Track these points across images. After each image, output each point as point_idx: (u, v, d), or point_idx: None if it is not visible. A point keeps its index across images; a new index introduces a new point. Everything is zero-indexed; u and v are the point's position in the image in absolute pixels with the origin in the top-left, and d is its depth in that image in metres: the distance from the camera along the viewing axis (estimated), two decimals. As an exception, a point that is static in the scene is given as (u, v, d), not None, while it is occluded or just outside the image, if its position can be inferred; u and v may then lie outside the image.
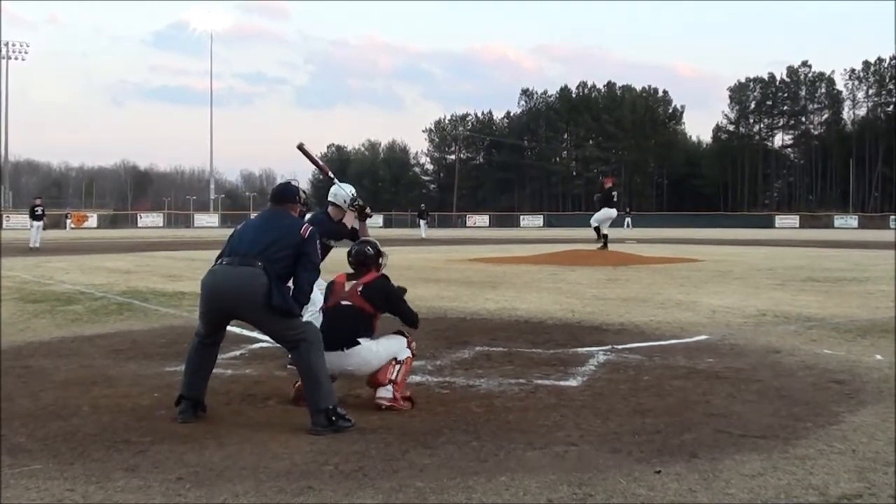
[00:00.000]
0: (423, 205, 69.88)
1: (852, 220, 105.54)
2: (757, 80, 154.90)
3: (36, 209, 40.87)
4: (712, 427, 6.52)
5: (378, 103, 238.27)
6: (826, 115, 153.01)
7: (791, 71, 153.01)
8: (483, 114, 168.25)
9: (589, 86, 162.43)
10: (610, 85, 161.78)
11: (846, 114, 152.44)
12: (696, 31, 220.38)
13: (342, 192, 9.34)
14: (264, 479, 5.19)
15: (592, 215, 29.63)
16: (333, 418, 6.38)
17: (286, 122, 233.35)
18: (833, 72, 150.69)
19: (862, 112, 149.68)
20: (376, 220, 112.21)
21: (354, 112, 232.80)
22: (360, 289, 7.37)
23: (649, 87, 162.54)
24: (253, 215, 7.95)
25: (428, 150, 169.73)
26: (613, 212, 29.31)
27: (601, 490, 5.02)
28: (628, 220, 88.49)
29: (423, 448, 5.87)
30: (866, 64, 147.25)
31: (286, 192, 7.20)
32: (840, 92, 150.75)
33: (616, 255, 27.33)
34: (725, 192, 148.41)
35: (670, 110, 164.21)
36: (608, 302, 15.37)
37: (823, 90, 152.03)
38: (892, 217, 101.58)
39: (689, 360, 9.48)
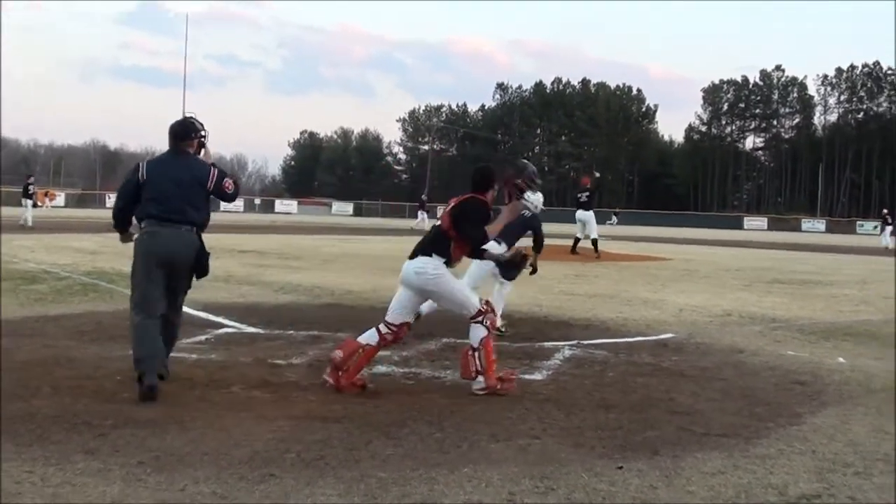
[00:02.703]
0: (424, 195, 66.79)
1: (820, 224, 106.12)
2: (730, 82, 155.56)
3: (29, 187, 40.60)
4: (675, 424, 6.55)
5: (351, 91, 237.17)
6: (797, 120, 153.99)
7: (764, 74, 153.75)
8: (457, 106, 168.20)
9: (563, 82, 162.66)
10: (584, 82, 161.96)
11: (817, 119, 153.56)
12: (671, 32, 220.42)
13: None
14: (225, 465, 5.17)
15: (578, 216, 27.23)
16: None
17: (258, 106, 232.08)
18: (806, 77, 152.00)
19: (833, 118, 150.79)
20: (346, 207, 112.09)
21: (327, 99, 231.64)
22: (450, 209, 7.71)
23: (623, 85, 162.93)
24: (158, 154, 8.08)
25: (401, 139, 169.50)
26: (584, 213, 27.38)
27: (563, 484, 5.02)
28: (615, 217, 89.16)
29: (387, 438, 5.85)
30: (839, 70, 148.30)
31: (187, 130, 7.58)
32: (812, 97, 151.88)
33: (584, 252, 27.30)
34: (695, 192, 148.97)
35: (643, 109, 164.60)
36: (575, 297, 15.41)
37: (796, 95, 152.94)
38: (859, 222, 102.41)
39: (655, 357, 9.52)
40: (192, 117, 7.73)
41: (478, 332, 7.48)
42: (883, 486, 5.28)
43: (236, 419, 6.26)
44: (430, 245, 7.67)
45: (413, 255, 7.69)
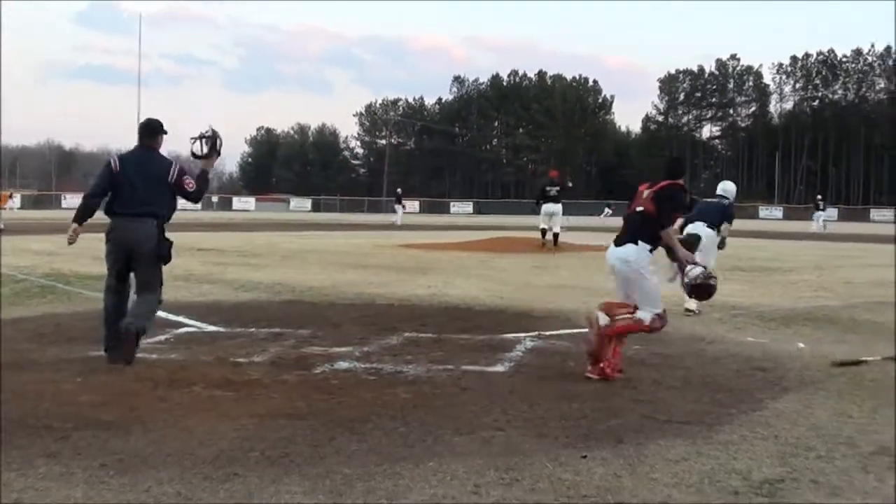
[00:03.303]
0: (399, 189, 65.30)
1: (777, 212, 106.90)
2: (686, 72, 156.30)
3: None
4: (638, 413, 6.58)
5: (308, 87, 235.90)
6: (753, 108, 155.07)
7: (720, 64, 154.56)
8: (414, 99, 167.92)
9: (520, 74, 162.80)
10: (541, 74, 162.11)
11: (773, 107, 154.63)
12: (626, 23, 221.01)
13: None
14: (189, 465, 5.13)
15: (548, 209, 26.81)
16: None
17: (215, 104, 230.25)
18: (761, 66, 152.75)
19: (788, 106, 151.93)
20: (304, 203, 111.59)
21: (284, 96, 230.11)
22: (652, 195, 8.11)
23: (580, 76, 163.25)
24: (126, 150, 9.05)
25: (358, 134, 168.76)
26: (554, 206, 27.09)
27: (528, 475, 5.03)
28: (608, 209, 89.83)
29: (351, 434, 5.84)
30: (794, 59, 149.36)
31: (154, 128, 8.54)
32: (767, 86, 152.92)
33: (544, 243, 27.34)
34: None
35: (600, 100, 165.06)
36: (537, 289, 15.44)
37: (751, 83, 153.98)
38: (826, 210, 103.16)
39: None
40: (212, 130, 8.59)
41: (644, 316, 7.90)
42: (845, 468, 5.32)
43: (199, 419, 6.22)
44: (637, 232, 8.05)
45: (619, 242, 8.11)
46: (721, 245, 13.00)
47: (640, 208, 8.16)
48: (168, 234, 8.29)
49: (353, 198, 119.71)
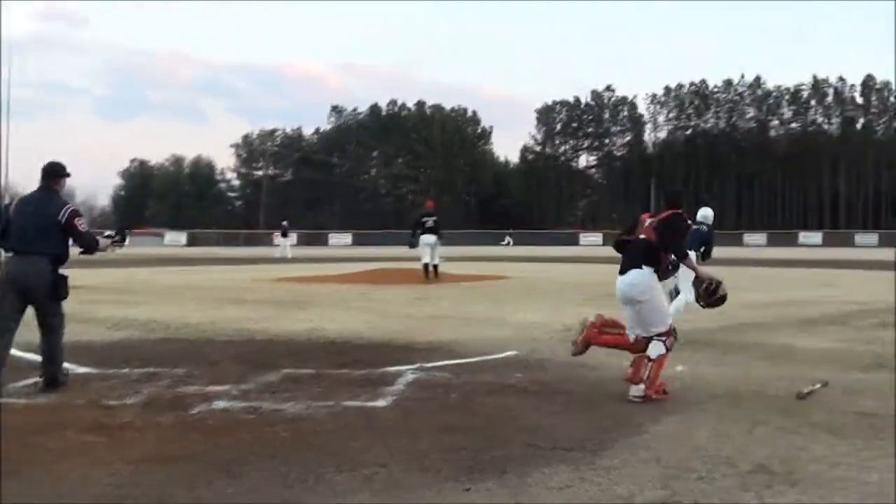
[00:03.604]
0: (285, 221, 64.05)
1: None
2: (563, 102, 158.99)
3: None
4: (521, 441, 6.57)
5: (182, 116, 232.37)
6: (629, 138, 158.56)
7: (595, 94, 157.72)
8: (292, 129, 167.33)
9: (399, 104, 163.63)
10: (420, 104, 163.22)
11: (647, 136, 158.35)
12: (504, 54, 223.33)
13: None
14: (61, 513, 4.96)
15: (426, 240, 26.38)
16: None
17: (85, 134, 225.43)
18: (636, 96, 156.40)
19: (662, 134, 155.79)
20: (179, 237, 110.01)
21: (158, 125, 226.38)
22: (655, 224, 8.70)
23: (459, 106, 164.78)
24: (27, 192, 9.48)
25: (235, 165, 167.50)
26: (431, 237, 26.58)
27: (410, 511, 4.97)
28: (509, 238, 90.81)
29: (228, 477, 5.69)
30: (667, 89, 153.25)
31: (54, 170, 9.00)
32: (642, 115, 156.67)
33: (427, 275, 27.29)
34: (532, 211, 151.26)
35: (479, 130, 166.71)
36: (417, 320, 15.40)
37: (626, 113, 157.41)
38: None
39: (498, 376, 9.55)
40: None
41: (658, 349, 8.39)
42: (726, 488, 5.42)
43: (71, 465, 6.00)
44: (640, 258, 8.59)
45: (623, 271, 8.67)
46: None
47: (642, 236, 8.74)
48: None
49: (229, 231, 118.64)
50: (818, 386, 8.63)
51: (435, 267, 26.35)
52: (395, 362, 10.51)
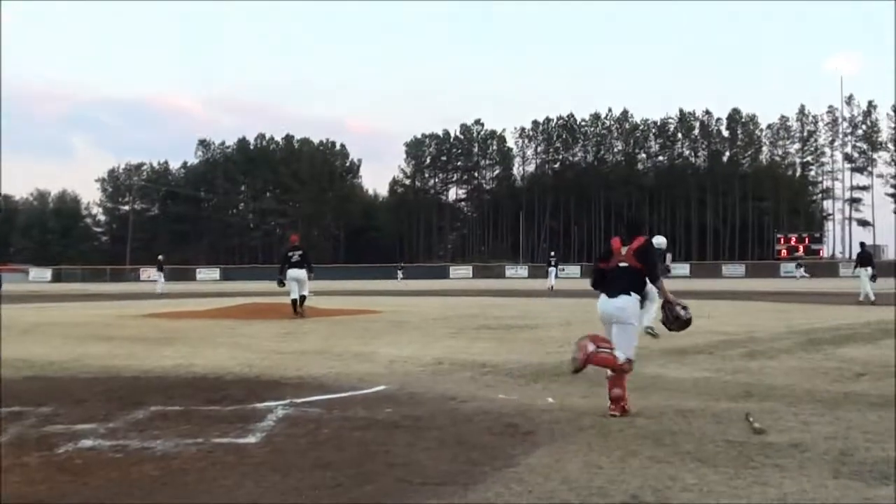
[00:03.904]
0: (160, 256, 62.50)
1: (522, 270, 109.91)
2: (432, 136, 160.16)
3: None
4: (393, 476, 6.55)
5: (47, 151, 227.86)
6: (498, 171, 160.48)
7: (465, 128, 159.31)
8: (159, 163, 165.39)
9: (267, 138, 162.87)
10: (288, 137, 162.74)
11: (516, 169, 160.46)
12: (371, 87, 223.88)
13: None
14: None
15: (292, 275, 26.07)
16: None
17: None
18: (504, 130, 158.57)
19: (531, 168, 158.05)
20: (44, 273, 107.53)
21: (21, 160, 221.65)
22: (633, 252, 9.51)
23: (327, 140, 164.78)
24: None
25: (101, 200, 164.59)
26: (298, 272, 26.31)
27: (282, 550, 4.93)
28: (401, 273, 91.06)
29: (95, 517, 5.59)
30: (535, 123, 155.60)
31: None
32: (511, 149, 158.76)
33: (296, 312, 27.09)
34: (402, 244, 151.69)
35: (347, 164, 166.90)
36: (286, 355, 15.28)
37: (495, 147, 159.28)
38: (561, 267, 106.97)
39: (369, 410, 9.52)
40: None
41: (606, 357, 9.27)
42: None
43: (-72, 509, 5.83)
44: (629, 284, 9.40)
45: (612, 294, 9.43)
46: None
47: (623, 264, 9.51)
48: None
49: (95, 266, 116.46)
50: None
51: (302, 299, 26.06)
52: (265, 398, 10.42)
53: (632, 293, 9.35)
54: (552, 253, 63.38)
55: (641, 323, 10.07)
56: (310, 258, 27.26)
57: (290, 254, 26.62)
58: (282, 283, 26.26)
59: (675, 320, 9.78)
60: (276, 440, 8.02)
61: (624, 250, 9.59)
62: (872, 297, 31.60)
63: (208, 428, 8.50)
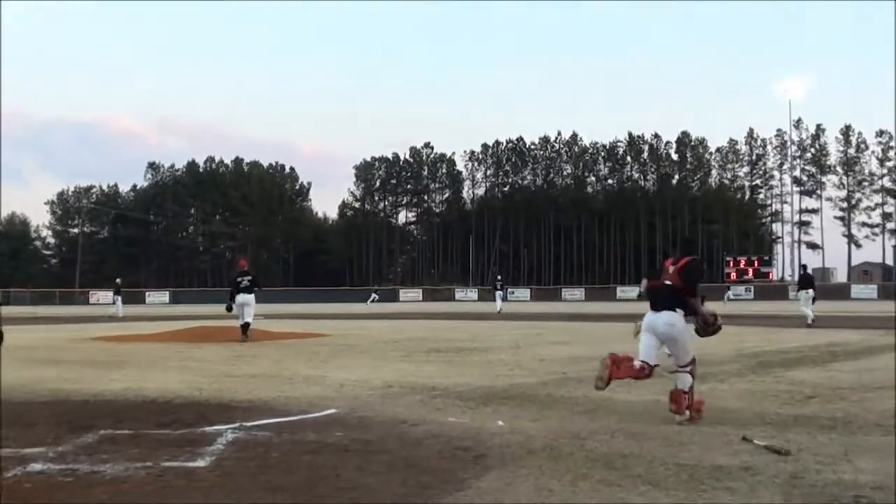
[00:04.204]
0: (118, 280, 61.83)
1: (472, 293, 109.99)
2: (381, 159, 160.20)
3: None
4: (343, 500, 6.58)
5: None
6: (447, 194, 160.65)
7: (414, 151, 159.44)
8: (109, 186, 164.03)
9: (217, 161, 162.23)
10: (237, 161, 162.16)
11: (466, 192, 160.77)
12: (320, 110, 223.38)
13: None
14: None
15: (241, 299, 25.84)
16: None
17: None
18: (454, 153, 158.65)
19: (481, 191, 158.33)
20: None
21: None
22: (678, 269, 10.52)
23: (276, 163, 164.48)
24: None
25: (50, 223, 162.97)
26: (247, 296, 25.99)
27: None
28: (375, 295, 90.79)
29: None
30: (485, 146, 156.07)
31: None
32: (461, 172, 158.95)
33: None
34: (351, 267, 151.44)
35: (297, 187, 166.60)
36: (236, 379, 15.24)
37: (445, 170, 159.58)
38: (510, 289, 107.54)
39: (319, 434, 9.53)
40: None
41: (686, 380, 10.31)
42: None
43: None
44: (673, 301, 10.38)
45: (657, 308, 10.44)
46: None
47: (668, 282, 10.52)
48: None
49: (45, 289, 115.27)
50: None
51: (246, 325, 25.68)
52: (214, 421, 10.40)
53: (676, 309, 10.33)
54: (499, 276, 63.84)
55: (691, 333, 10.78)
56: (259, 283, 27.18)
57: (240, 279, 26.46)
58: (230, 308, 26.15)
59: (706, 327, 10.85)
60: (225, 464, 8.01)
61: (671, 269, 10.59)
62: (811, 319, 31.87)
63: (158, 451, 8.48)
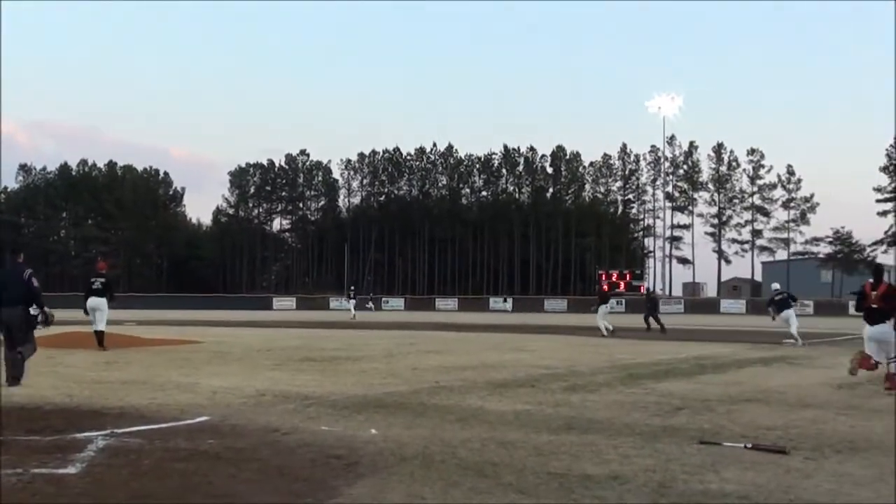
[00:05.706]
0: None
1: (348, 303, 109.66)
2: (256, 165, 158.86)
3: None
4: (214, 508, 6.60)
5: None
6: (323, 202, 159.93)
7: (290, 158, 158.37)
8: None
9: (90, 164, 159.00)
10: (111, 164, 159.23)
11: (342, 201, 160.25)
12: (193, 115, 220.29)
13: None
14: None
15: (91, 304, 24.97)
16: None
17: None
18: (330, 161, 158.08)
19: (356, 200, 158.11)
20: None
21: None
22: (882, 294, 15.36)
23: (150, 168, 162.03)
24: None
25: None
26: (97, 300, 24.79)
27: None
28: (371, 304, 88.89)
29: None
30: (361, 155, 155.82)
31: (18, 249, 15.54)
32: (336, 180, 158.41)
33: (115, 337, 26.55)
34: (224, 274, 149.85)
35: (171, 192, 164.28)
36: (107, 385, 15.07)
37: (320, 178, 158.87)
38: (384, 298, 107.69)
39: (191, 441, 9.51)
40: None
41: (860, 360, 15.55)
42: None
43: None
44: (881, 318, 15.22)
45: (874, 323, 15.43)
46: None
47: (874, 305, 15.38)
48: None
49: None
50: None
51: (100, 333, 24.59)
52: (85, 428, 10.30)
53: (886, 322, 15.10)
54: (352, 287, 65.19)
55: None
56: (112, 286, 25.87)
57: (93, 280, 25.36)
58: (87, 312, 25.10)
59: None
60: (96, 471, 7.96)
61: (873, 295, 15.43)
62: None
63: (27, 458, 8.38)
